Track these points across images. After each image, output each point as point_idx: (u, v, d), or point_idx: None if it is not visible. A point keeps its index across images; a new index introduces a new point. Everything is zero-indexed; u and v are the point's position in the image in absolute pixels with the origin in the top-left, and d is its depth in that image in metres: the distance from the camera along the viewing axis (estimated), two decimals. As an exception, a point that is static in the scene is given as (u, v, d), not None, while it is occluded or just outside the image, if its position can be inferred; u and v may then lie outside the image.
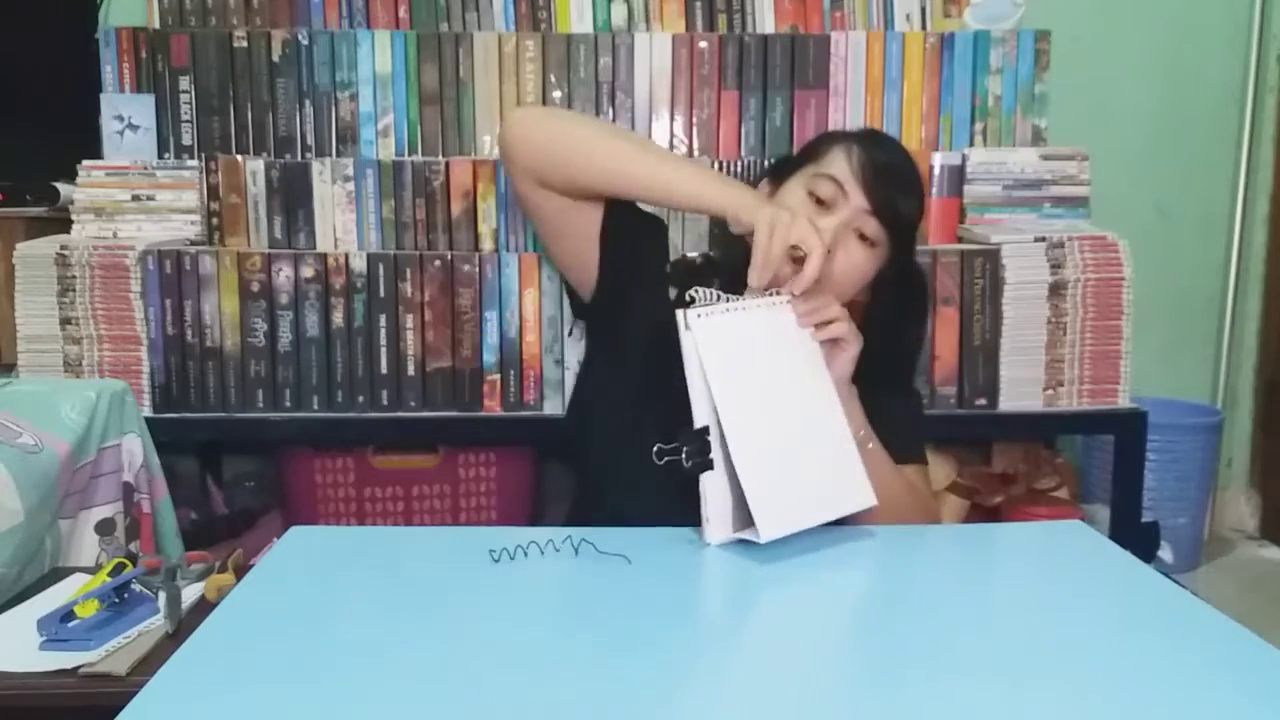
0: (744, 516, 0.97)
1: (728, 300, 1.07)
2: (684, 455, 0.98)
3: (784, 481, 0.98)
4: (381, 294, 1.75)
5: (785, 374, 1.07)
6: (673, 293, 1.27)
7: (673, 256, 1.34)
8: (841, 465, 1.04)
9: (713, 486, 0.96)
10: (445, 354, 1.78)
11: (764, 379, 1.04)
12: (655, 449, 1.00)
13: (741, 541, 0.97)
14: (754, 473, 0.96)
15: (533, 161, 1.25)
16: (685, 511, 1.01)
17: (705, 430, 0.98)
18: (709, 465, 0.97)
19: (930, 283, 1.77)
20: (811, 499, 0.99)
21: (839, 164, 1.20)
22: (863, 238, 1.20)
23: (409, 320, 1.76)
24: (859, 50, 1.92)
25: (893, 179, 1.20)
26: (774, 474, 0.98)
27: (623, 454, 1.18)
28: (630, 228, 1.30)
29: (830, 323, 1.11)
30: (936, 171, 1.89)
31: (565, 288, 1.45)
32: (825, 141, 1.26)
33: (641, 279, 1.29)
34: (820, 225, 1.14)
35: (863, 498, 1.03)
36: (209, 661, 0.76)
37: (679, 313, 1.02)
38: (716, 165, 1.86)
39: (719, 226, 1.64)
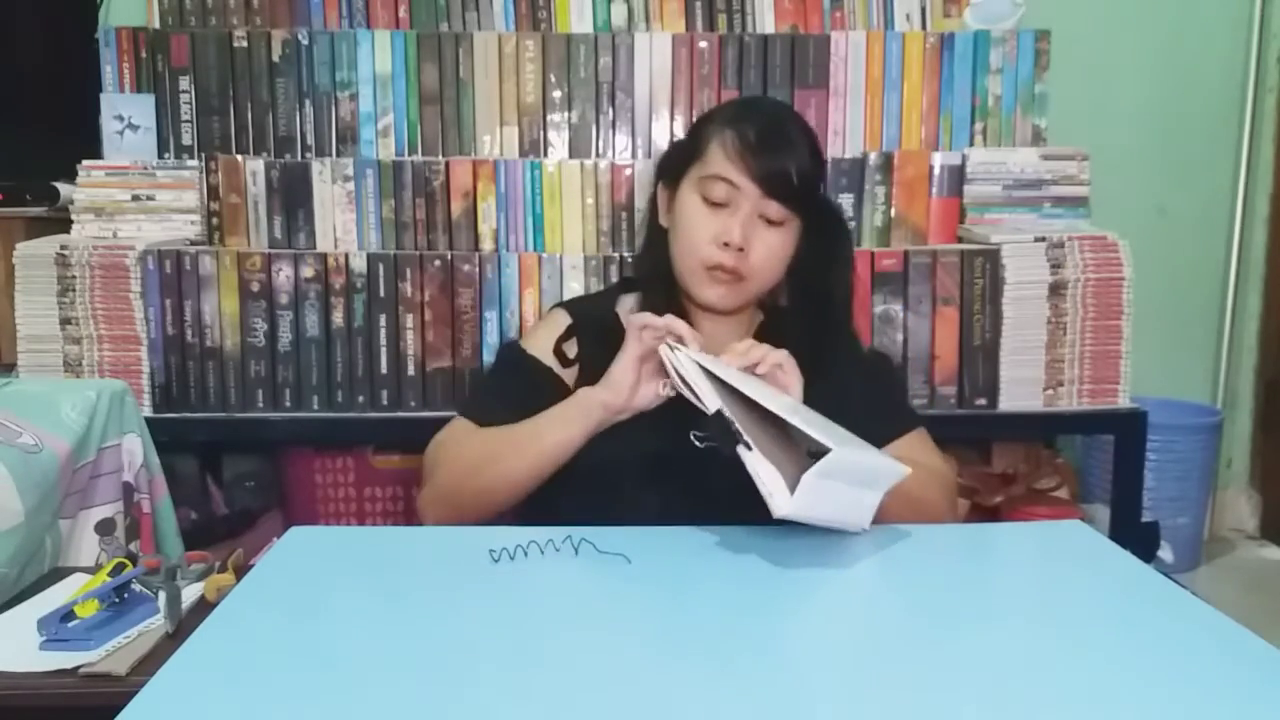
0: (793, 482, 0.94)
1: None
2: (718, 438, 0.95)
3: (827, 430, 0.96)
4: (381, 294, 1.75)
5: (772, 396, 1.05)
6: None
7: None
8: (858, 443, 1.02)
9: (754, 461, 0.94)
10: (445, 354, 1.78)
11: (758, 393, 1.02)
12: (693, 434, 0.98)
13: (745, 539, 0.97)
14: (801, 418, 0.95)
15: (467, 520, 1.19)
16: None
17: (720, 413, 0.97)
18: (739, 441, 0.95)
19: (930, 281, 1.77)
20: (854, 453, 0.96)
21: (719, 159, 1.18)
22: (770, 221, 1.18)
23: (409, 320, 1.76)
24: (859, 50, 1.92)
25: (776, 151, 1.17)
26: (813, 422, 0.96)
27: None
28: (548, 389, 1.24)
29: (761, 361, 1.08)
30: (936, 171, 1.89)
31: None
32: (702, 131, 1.22)
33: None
34: (725, 228, 1.15)
35: (896, 470, 1.01)
36: (209, 661, 0.76)
37: (662, 348, 1.05)
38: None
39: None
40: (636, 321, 1.10)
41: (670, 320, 1.08)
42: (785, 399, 1.05)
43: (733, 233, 1.15)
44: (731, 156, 1.17)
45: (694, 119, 1.91)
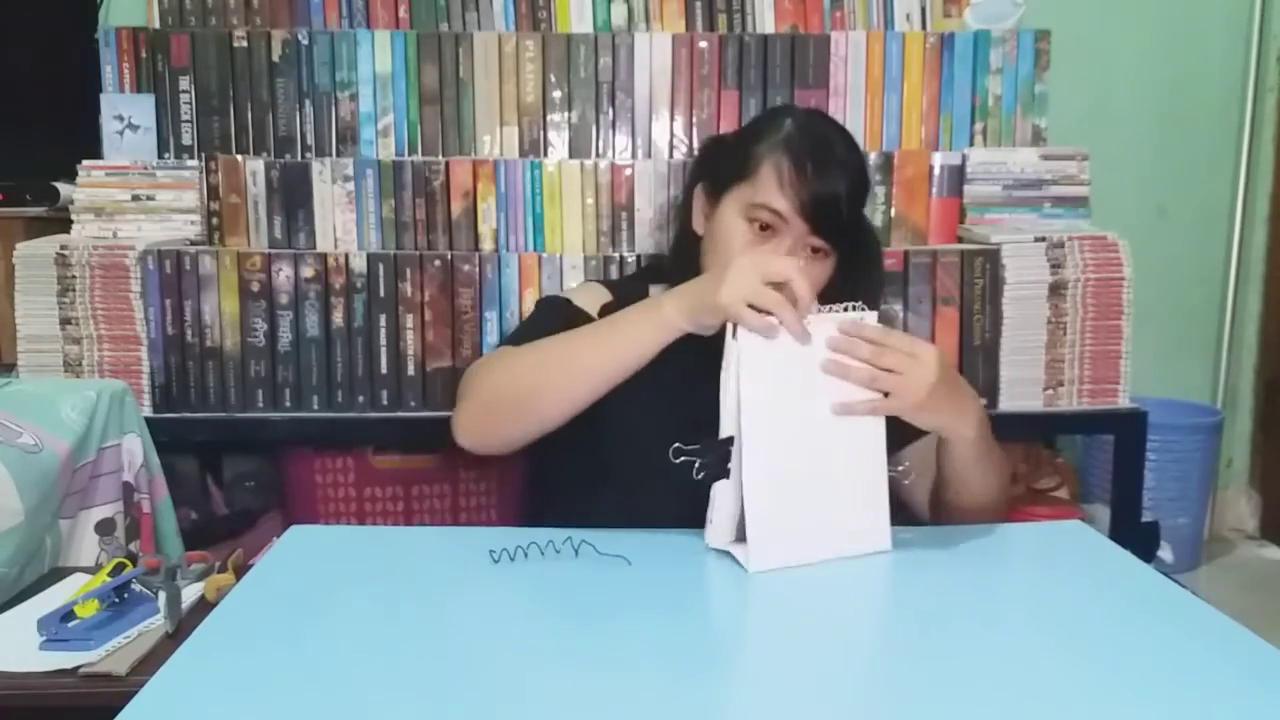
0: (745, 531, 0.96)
1: None
2: (699, 461, 0.96)
3: (791, 513, 0.95)
4: (381, 294, 1.75)
5: (825, 396, 0.99)
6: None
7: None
8: (864, 502, 1.00)
9: (723, 495, 0.95)
10: (445, 354, 1.78)
11: (802, 400, 0.98)
12: (674, 448, 0.97)
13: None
14: (761, 500, 0.94)
15: (505, 448, 1.16)
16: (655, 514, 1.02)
17: (729, 440, 0.96)
18: (724, 474, 0.95)
19: (930, 281, 1.77)
20: (817, 533, 0.96)
21: (770, 188, 1.15)
22: (814, 250, 1.17)
23: (409, 320, 1.76)
24: (859, 50, 1.92)
25: (830, 186, 1.14)
26: (782, 504, 0.95)
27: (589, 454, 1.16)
28: None
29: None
30: (936, 171, 1.89)
31: None
32: (753, 150, 1.18)
33: None
34: (767, 253, 1.12)
35: (878, 540, 1.00)
36: (209, 661, 0.76)
37: (728, 323, 0.97)
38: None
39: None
40: (775, 265, 0.99)
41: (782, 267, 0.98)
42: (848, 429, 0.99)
43: (776, 251, 1.14)
44: (785, 188, 1.14)
45: (694, 119, 1.91)
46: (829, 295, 1.20)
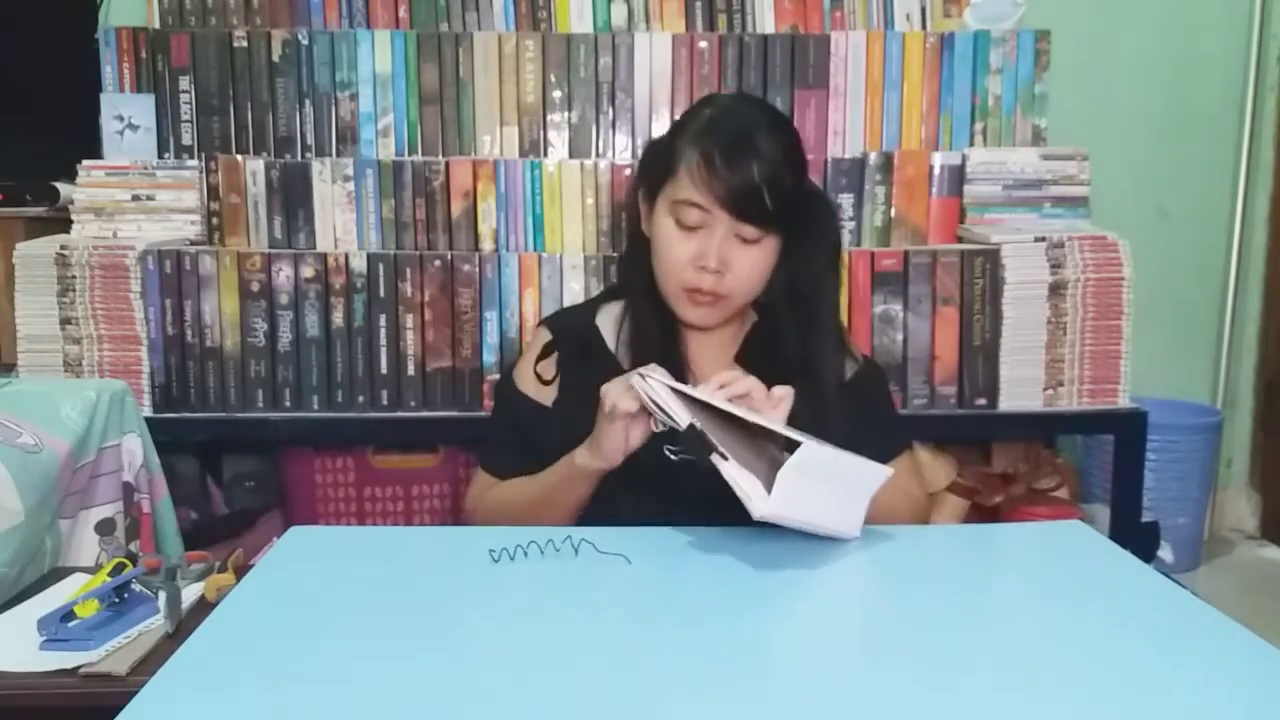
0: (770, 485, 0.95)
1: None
2: (684, 455, 0.96)
3: (810, 479, 0.95)
4: (381, 294, 1.75)
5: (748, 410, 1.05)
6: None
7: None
8: (855, 489, 1.01)
9: (733, 470, 0.94)
10: (445, 354, 1.78)
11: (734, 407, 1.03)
12: (665, 448, 0.98)
13: (745, 540, 0.97)
14: (805, 454, 0.94)
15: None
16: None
17: (693, 426, 0.97)
18: (715, 451, 0.95)
19: (930, 281, 1.77)
20: (820, 504, 0.97)
21: (687, 184, 1.14)
22: (745, 240, 1.16)
23: (409, 320, 1.76)
24: (859, 50, 1.92)
25: (746, 172, 1.12)
26: (808, 467, 0.95)
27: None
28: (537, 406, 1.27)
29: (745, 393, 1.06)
30: (936, 171, 1.89)
31: None
32: (673, 147, 1.18)
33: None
34: (701, 251, 1.14)
35: (854, 528, 1.00)
36: (209, 661, 0.76)
37: (634, 381, 1.03)
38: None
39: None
40: (607, 402, 1.06)
41: (629, 389, 1.05)
42: (758, 415, 1.05)
43: (708, 257, 1.14)
44: (699, 182, 1.14)
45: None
46: (782, 276, 1.21)
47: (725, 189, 1.13)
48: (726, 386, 1.04)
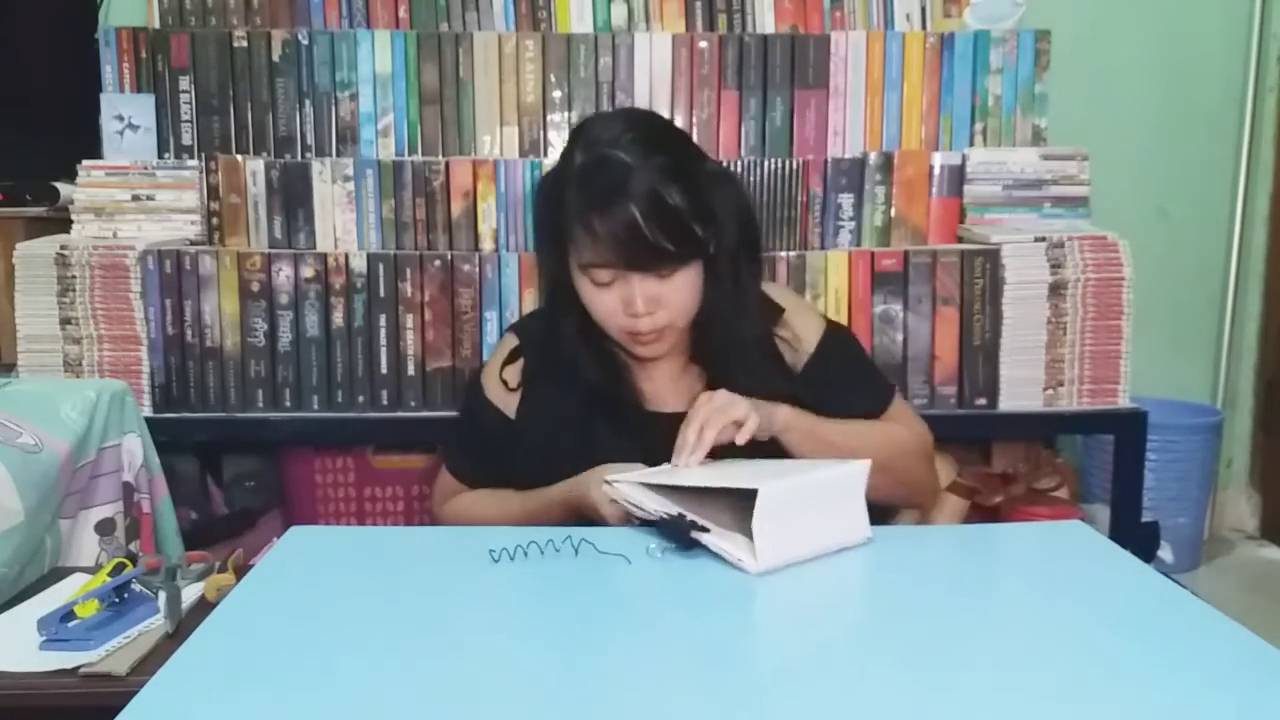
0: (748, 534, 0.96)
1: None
2: (664, 547, 0.98)
3: (788, 516, 0.95)
4: (381, 294, 1.75)
5: (721, 469, 1.08)
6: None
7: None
8: (843, 499, 1.01)
9: (718, 539, 0.95)
10: (445, 354, 1.78)
11: (706, 473, 1.07)
12: (648, 548, 0.98)
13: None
14: (766, 506, 0.94)
15: None
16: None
17: (664, 517, 0.98)
18: (697, 528, 0.96)
19: (930, 281, 1.77)
20: (809, 532, 0.97)
21: (586, 250, 1.13)
22: (662, 276, 1.14)
23: (409, 320, 1.76)
24: (859, 50, 1.92)
25: (634, 231, 1.09)
26: (780, 509, 0.94)
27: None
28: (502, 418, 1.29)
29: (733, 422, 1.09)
30: (936, 171, 1.89)
31: None
32: (559, 214, 1.15)
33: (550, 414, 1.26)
34: (627, 299, 1.14)
35: (860, 532, 1.00)
36: (209, 661, 0.76)
37: (607, 491, 1.07)
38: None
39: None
40: (596, 514, 1.10)
41: (611, 502, 1.08)
42: (727, 466, 1.09)
43: (634, 304, 1.14)
44: (601, 249, 1.12)
45: (694, 119, 1.91)
46: (710, 286, 1.19)
47: (615, 251, 1.11)
48: (691, 448, 1.07)
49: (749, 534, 0.92)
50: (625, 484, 1.06)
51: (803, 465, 1.09)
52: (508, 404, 1.28)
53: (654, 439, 1.14)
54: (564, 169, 1.17)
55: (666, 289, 1.14)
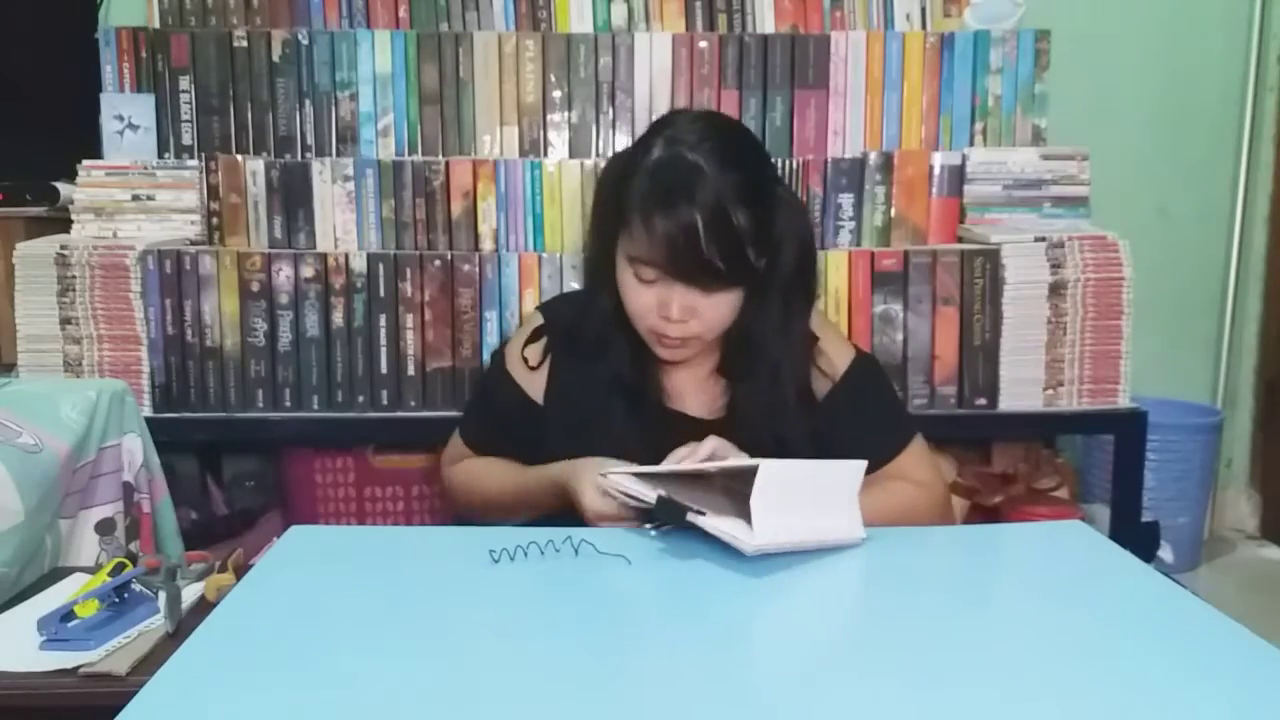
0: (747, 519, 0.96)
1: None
2: (658, 526, 0.99)
3: (786, 500, 0.95)
4: (381, 294, 1.75)
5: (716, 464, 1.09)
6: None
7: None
8: (839, 497, 1.01)
9: (713, 522, 0.95)
10: (445, 354, 1.78)
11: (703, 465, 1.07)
12: (644, 525, 1.00)
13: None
14: (766, 482, 0.94)
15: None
16: None
17: (661, 497, 0.98)
18: (690, 510, 0.96)
19: (930, 281, 1.77)
20: (805, 523, 0.97)
21: (642, 244, 1.11)
22: (707, 290, 1.13)
23: (409, 320, 1.76)
24: (859, 50, 1.92)
25: (694, 243, 1.07)
26: (780, 492, 0.95)
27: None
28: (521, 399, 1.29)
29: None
30: (936, 171, 1.89)
31: None
32: (624, 197, 1.14)
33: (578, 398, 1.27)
34: (664, 301, 1.13)
35: (854, 531, 1.00)
36: (209, 661, 0.76)
37: (601, 483, 1.06)
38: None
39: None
40: (589, 515, 1.10)
41: (605, 496, 1.08)
42: (722, 462, 1.09)
43: (670, 307, 1.13)
44: (647, 245, 1.10)
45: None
46: (753, 309, 1.18)
47: (667, 254, 1.10)
48: (683, 457, 1.08)
49: (746, 517, 0.92)
50: (620, 474, 1.06)
51: (800, 461, 1.09)
52: (527, 380, 1.28)
53: (666, 435, 1.13)
54: (637, 157, 1.15)
55: (706, 303, 1.14)
